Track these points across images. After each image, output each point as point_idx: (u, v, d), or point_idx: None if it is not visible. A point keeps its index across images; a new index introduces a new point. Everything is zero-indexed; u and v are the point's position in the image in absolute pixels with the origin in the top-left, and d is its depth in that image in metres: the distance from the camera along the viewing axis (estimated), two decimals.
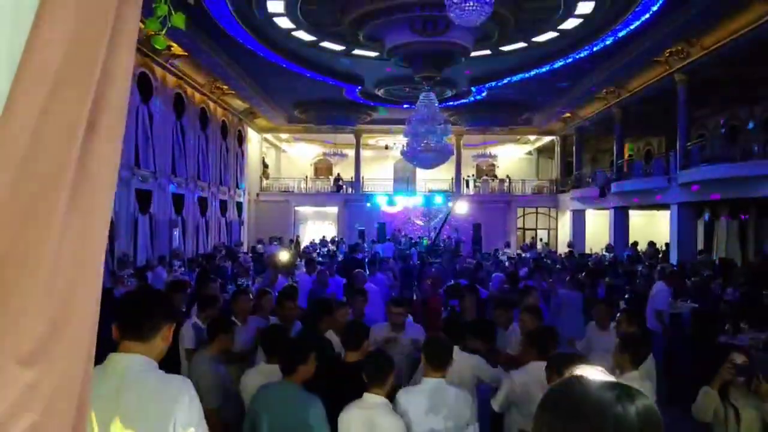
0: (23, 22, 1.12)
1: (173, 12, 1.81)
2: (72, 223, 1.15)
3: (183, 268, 13.30)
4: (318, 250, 19.81)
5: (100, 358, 1.82)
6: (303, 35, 14.33)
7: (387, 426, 3.30)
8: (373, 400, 3.39)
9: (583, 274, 10.78)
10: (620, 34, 13.93)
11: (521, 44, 14.83)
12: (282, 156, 33.48)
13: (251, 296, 6.17)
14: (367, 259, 14.98)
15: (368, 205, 27.24)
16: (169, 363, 2.45)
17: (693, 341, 7.37)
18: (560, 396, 1.18)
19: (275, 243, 20.32)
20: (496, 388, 4.26)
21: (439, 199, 26.27)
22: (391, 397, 3.57)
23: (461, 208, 26.04)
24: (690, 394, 3.88)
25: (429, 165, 17.39)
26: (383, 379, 3.44)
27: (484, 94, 20.53)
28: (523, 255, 18.62)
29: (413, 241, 23.32)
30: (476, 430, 3.56)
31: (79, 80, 1.15)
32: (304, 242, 24.28)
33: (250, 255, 18.07)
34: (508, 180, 30.35)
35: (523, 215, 29.77)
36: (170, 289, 6.87)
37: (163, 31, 1.86)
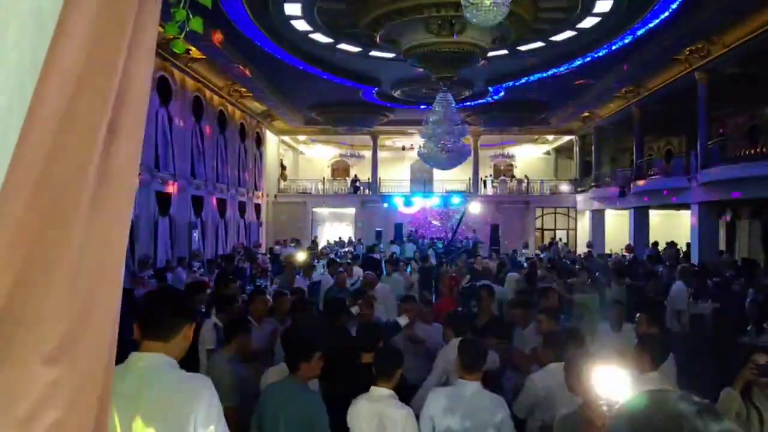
0: (46, 28, 1.15)
1: (191, 16, 1.84)
2: (93, 224, 1.17)
3: (202, 269, 13.41)
4: (336, 252, 19.86)
5: (121, 358, 1.85)
6: (320, 37, 14.40)
7: (395, 417, 3.36)
8: (380, 392, 3.47)
9: (597, 273, 10.69)
10: (639, 33, 13.79)
11: (539, 44, 14.75)
12: (299, 158, 33.63)
13: (268, 297, 6.22)
14: (383, 260, 14.98)
15: (385, 206, 27.24)
16: (189, 363, 2.48)
17: (714, 342, 7.28)
18: (633, 410, 1.10)
19: (291, 245, 20.39)
20: (517, 393, 4.24)
21: (456, 200, 26.20)
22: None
23: (475, 208, 25.90)
24: (711, 396, 3.83)
25: (446, 166, 17.33)
26: (390, 372, 3.52)
27: (501, 94, 20.44)
28: (541, 255, 18.50)
29: (432, 241, 23.29)
30: None
31: (100, 84, 1.17)
32: (322, 243, 24.34)
33: (268, 256, 18.17)
34: (526, 180, 30.15)
35: (542, 215, 29.56)
36: (190, 289, 6.94)
37: (182, 36, 1.89)
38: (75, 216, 1.13)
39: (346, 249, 21.36)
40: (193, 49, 14.75)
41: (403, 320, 5.28)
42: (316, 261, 13.67)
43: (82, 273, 1.15)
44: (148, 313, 2.27)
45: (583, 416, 2.88)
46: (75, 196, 1.13)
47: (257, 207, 24.82)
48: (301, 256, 10.58)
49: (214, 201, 19.22)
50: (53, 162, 1.10)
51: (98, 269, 1.20)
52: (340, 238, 24.99)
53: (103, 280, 1.21)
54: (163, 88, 14.98)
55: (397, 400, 3.47)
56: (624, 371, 2.54)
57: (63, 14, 1.14)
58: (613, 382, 2.47)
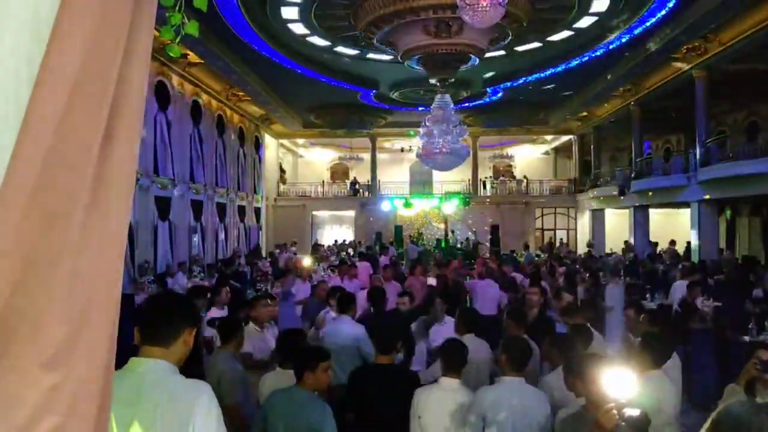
0: (42, 35, 1.14)
1: (187, 20, 1.83)
2: (91, 229, 1.17)
3: (202, 274, 13.41)
4: (335, 254, 19.86)
5: (121, 363, 1.84)
6: (317, 40, 14.41)
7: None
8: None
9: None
10: (636, 32, 13.81)
11: (536, 44, 14.77)
12: (299, 161, 33.66)
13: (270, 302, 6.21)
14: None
15: (385, 208, 27.24)
16: (193, 365, 2.47)
17: (716, 340, 7.27)
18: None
19: (292, 249, 20.34)
20: None
21: (455, 201, 26.19)
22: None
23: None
24: (714, 392, 3.83)
25: (445, 167, 17.35)
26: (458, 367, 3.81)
27: (499, 94, 20.46)
28: (542, 256, 18.51)
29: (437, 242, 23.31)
30: None
31: (97, 89, 1.17)
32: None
33: (269, 260, 18.16)
34: (525, 180, 30.16)
35: (542, 216, 29.56)
36: (190, 294, 6.94)
37: (177, 40, 1.88)
38: (72, 221, 1.13)
39: (347, 251, 21.32)
40: (191, 53, 14.75)
41: None
42: (317, 264, 13.68)
43: (80, 278, 1.15)
44: (149, 318, 2.26)
45: (587, 417, 2.86)
46: (72, 200, 1.13)
47: (257, 211, 24.82)
48: (306, 261, 10.50)
49: (214, 205, 19.22)
50: (50, 167, 1.10)
51: (97, 274, 1.20)
52: (343, 240, 24.93)
53: (102, 284, 1.21)
54: (161, 93, 14.98)
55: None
56: (630, 372, 2.53)
57: (58, 19, 1.14)
58: (621, 383, 2.46)
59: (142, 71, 1.29)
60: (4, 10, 1.14)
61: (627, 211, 22.30)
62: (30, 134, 1.10)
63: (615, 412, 2.48)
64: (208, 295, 6.98)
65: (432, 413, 3.59)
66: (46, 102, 1.11)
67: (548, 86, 18.76)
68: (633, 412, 2.44)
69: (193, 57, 15.19)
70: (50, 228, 1.10)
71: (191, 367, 2.25)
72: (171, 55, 2.10)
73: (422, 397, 3.66)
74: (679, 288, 8.89)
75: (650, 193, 19.52)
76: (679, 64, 16.13)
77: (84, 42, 1.15)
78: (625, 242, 20.25)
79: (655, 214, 22.49)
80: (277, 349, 4.38)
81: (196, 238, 17.55)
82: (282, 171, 30.02)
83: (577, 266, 13.51)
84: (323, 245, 23.05)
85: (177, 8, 1.78)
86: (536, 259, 17.18)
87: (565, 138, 29.16)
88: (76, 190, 1.13)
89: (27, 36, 1.16)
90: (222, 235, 20.00)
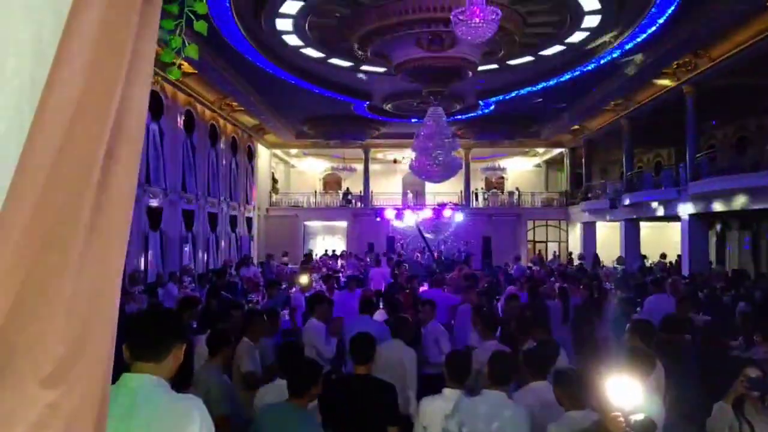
0: (45, 57, 1.17)
1: (187, 44, 1.86)
2: (91, 248, 1.18)
3: (193, 284, 13.33)
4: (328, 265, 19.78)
5: (113, 378, 1.84)
6: (311, 52, 14.48)
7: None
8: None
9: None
10: (627, 47, 13.96)
11: (528, 58, 14.89)
12: (291, 171, 33.65)
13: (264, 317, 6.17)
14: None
15: (377, 219, 27.22)
16: (183, 379, 2.47)
17: (704, 354, 7.30)
18: None
19: (284, 259, 20.21)
20: None
21: (448, 213, 26.19)
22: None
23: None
24: (702, 409, 3.85)
25: (437, 179, 17.43)
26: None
27: (492, 107, 20.58)
28: (533, 267, 18.54)
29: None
30: None
31: (99, 111, 1.19)
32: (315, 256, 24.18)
33: (260, 269, 18.06)
34: (517, 193, 30.28)
35: (533, 228, 29.66)
36: (181, 306, 6.90)
37: (178, 62, 1.91)
38: (73, 240, 1.15)
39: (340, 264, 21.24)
40: (185, 63, 14.75)
41: None
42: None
43: (79, 296, 1.16)
44: (138, 335, 2.26)
45: (602, 430, 2.84)
46: (73, 220, 1.15)
47: (249, 220, 24.77)
48: (304, 279, 10.42)
49: (206, 215, 19.16)
50: (52, 187, 1.12)
51: (95, 293, 1.21)
52: (333, 251, 24.87)
53: (100, 303, 1.23)
54: (154, 103, 14.95)
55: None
56: (636, 382, 2.53)
57: (62, 42, 1.16)
58: (626, 392, 2.48)
59: (143, 94, 1.31)
60: (8, 34, 1.16)
61: (618, 224, 22.42)
62: (32, 155, 1.11)
63: (621, 418, 2.49)
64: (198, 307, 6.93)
65: (435, 423, 3.66)
66: (49, 123, 1.13)
67: (538, 100, 18.91)
68: (639, 417, 2.48)
69: (186, 67, 15.19)
70: (50, 248, 1.12)
71: (181, 381, 2.25)
72: (170, 77, 2.13)
73: (428, 408, 3.73)
74: (654, 302, 8.88)
75: (646, 206, 19.66)
76: (669, 80, 16.31)
77: (87, 64, 1.17)
78: (619, 257, 20.31)
79: (646, 227, 22.61)
80: (278, 361, 4.40)
81: (187, 248, 17.48)
82: (274, 181, 30.00)
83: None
84: (312, 256, 22.99)
85: (177, 32, 1.81)
86: (528, 272, 17.19)
87: (556, 151, 29.34)
88: (78, 210, 1.15)
89: (30, 58, 1.19)
90: (213, 245, 19.93)
